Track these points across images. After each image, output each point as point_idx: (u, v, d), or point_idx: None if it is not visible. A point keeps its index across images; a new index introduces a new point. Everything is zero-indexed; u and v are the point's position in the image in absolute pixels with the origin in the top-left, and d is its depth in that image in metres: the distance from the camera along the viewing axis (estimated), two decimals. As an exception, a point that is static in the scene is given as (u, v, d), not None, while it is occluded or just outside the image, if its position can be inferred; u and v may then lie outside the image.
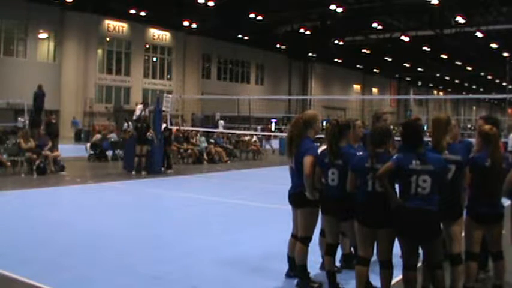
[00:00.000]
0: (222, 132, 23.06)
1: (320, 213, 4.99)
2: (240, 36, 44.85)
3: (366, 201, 4.37)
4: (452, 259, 4.56)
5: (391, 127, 5.01)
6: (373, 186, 4.33)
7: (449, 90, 79.66)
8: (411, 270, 4.34)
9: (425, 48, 47.32)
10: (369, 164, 4.33)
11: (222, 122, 28.08)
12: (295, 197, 5.00)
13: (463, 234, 4.74)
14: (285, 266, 5.28)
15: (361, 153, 4.70)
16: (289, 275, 5.24)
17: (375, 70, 63.80)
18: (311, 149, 4.87)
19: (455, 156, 4.53)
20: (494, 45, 43.88)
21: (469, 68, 59.76)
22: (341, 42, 46.36)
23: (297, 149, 4.94)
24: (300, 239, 4.99)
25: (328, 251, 4.94)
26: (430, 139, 4.83)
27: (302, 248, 4.95)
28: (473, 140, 5.54)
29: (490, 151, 4.63)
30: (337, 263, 5.43)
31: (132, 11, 36.65)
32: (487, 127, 4.84)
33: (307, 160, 4.78)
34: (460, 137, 5.46)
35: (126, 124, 28.02)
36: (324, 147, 5.00)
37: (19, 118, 23.96)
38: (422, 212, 4.13)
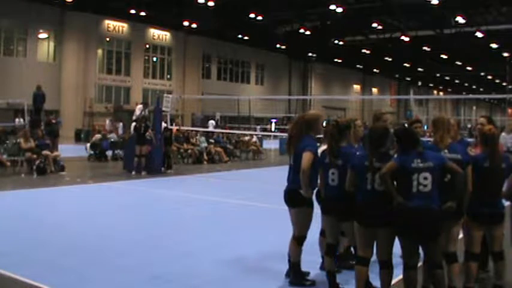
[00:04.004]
0: (222, 132, 23.06)
1: (320, 213, 5.00)
2: (240, 36, 44.83)
3: (365, 200, 4.39)
4: (447, 258, 4.57)
5: (391, 127, 5.02)
6: (372, 185, 4.34)
7: (449, 90, 79.65)
8: (412, 270, 4.35)
9: (425, 48, 47.30)
10: (368, 163, 4.35)
11: (212, 122, 28.11)
12: (290, 194, 5.01)
13: (460, 234, 4.75)
14: (285, 266, 5.27)
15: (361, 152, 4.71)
16: (289, 275, 5.25)
17: (375, 70, 63.77)
18: (311, 145, 4.89)
19: (455, 155, 4.54)
20: (494, 45, 43.87)
21: (469, 68, 59.76)
22: (341, 42, 46.34)
23: (296, 147, 4.95)
24: (294, 238, 5.03)
25: (328, 251, 4.95)
26: (430, 139, 4.84)
27: (296, 247, 5.02)
28: (472, 140, 5.55)
29: (488, 152, 4.64)
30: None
31: (132, 11, 36.63)
32: (487, 127, 4.84)
33: (306, 156, 4.80)
34: (459, 137, 5.47)
35: (121, 124, 28.08)
36: (324, 147, 5.02)
37: (17, 119, 23.99)
38: (424, 210, 4.14)
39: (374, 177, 4.33)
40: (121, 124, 28.19)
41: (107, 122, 29.98)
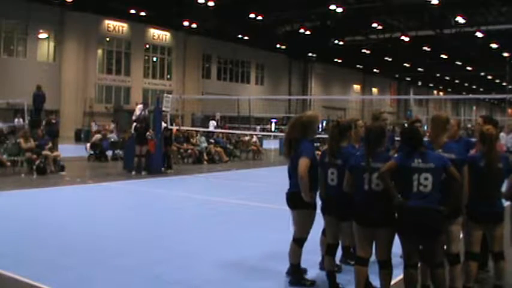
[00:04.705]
0: (222, 132, 23.05)
1: (321, 213, 5.01)
2: (240, 36, 44.84)
3: (363, 200, 4.39)
4: (450, 259, 4.57)
5: (391, 127, 5.04)
6: (369, 185, 4.35)
7: (449, 90, 79.68)
8: (412, 269, 4.36)
9: (425, 48, 47.32)
10: (365, 163, 4.35)
11: (213, 122, 28.18)
12: (292, 197, 5.03)
13: (461, 234, 4.75)
14: (285, 266, 5.27)
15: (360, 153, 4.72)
16: (289, 274, 5.25)
17: (375, 70, 63.78)
18: (307, 151, 4.89)
19: (449, 155, 4.54)
20: (494, 45, 43.88)
21: (469, 68, 59.76)
22: (341, 42, 46.35)
23: (295, 151, 4.95)
24: (294, 240, 5.04)
25: (328, 251, 4.97)
26: (428, 139, 4.84)
27: (295, 248, 5.04)
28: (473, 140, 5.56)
29: (485, 151, 4.64)
30: (338, 262, 5.43)
31: (132, 11, 36.65)
32: (485, 127, 4.84)
33: (303, 162, 4.80)
34: (458, 135, 5.45)
35: (114, 125, 27.98)
36: (326, 146, 5.04)
37: (16, 119, 24.01)
38: (424, 210, 4.15)
39: (371, 178, 4.33)
40: (113, 125, 28.05)
41: (92, 124, 30.21)
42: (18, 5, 32.15)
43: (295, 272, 5.07)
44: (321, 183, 4.99)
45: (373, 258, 4.50)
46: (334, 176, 4.83)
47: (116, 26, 39.18)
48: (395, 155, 4.45)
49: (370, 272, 4.60)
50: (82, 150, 19.48)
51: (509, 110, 58.13)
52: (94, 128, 28.94)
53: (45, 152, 14.31)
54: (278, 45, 49.31)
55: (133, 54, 40.59)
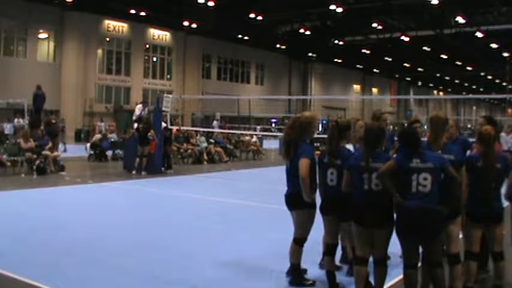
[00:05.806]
0: (222, 132, 23.06)
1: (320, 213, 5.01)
2: (240, 36, 44.84)
3: (362, 200, 4.39)
4: (450, 259, 4.56)
5: (391, 127, 5.04)
6: (369, 185, 4.35)
7: (449, 90, 79.68)
8: (412, 270, 4.35)
9: (425, 48, 47.31)
10: (364, 163, 4.35)
11: (215, 123, 28.23)
12: (291, 198, 5.02)
13: (460, 234, 4.75)
14: (285, 266, 5.27)
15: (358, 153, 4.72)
16: (289, 274, 5.25)
17: (375, 70, 63.77)
18: (306, 152, 4.89)
19: (449, 156, 4.55)
20: (494, 45, 43.89)
21: (469, 68, 59.78)
22: (341, 42, 46.35)
23: (294, 152, 4.95)
24: (294, 240, 5.04)
25: (328, 251, 4.96)
26: (427, 140, 4.84)
27: (296, 248, 5.04)
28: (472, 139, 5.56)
29: (483, 151, 4.65)
30: (337, 262, 5.43)
31: (132, 11, 36.64)
32: (483, 127, 4.84)
33: (303, 163, 4.80)
34: (457, 135, 5.46)
35: (103, 124, 27.66)
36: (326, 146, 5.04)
37: (16, 119, 24.02)
38: (424, 210, 4.15)
39: (371, 178, 4.33)
40: (103, 124, 27.97)
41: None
42: (18, 5, 32.13)
43: (296, 271, 5.07)
44: (320, 184, 4.99)
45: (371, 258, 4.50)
46: (333, 176, 4.82)
47: (116, 26, 39.16)
48: (395, 155, 4.45)
49: (369, 272, 4.59)
50: (82, 150, 19.49)
51: (509, 110, 58.17)
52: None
53: (45, 152, 14.32)
54: (278, 45, 49.30)
55: (134, 54, 40.57)
